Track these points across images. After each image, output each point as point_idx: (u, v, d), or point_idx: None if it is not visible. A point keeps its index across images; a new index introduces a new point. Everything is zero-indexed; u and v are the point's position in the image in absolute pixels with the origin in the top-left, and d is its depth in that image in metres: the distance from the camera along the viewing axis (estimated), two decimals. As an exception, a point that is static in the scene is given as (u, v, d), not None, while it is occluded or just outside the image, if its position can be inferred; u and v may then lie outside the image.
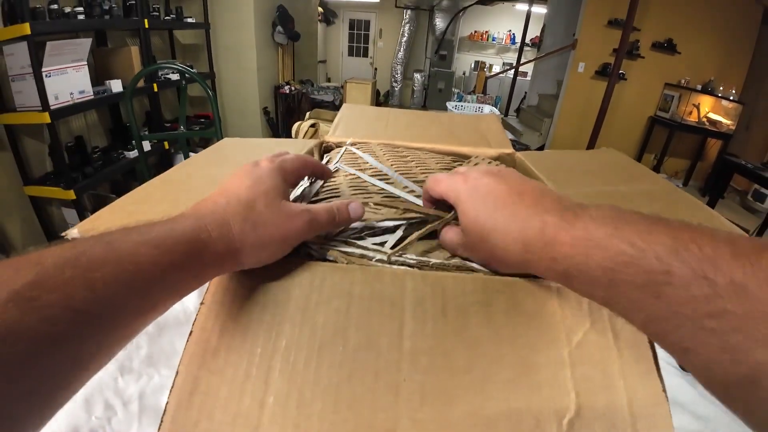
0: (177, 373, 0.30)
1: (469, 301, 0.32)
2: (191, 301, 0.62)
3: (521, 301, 0.32)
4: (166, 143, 3.24)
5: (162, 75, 3.29)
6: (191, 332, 0.32)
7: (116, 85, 2.82)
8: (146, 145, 2.97)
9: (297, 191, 0.48)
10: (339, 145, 0.70)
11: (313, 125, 1.29)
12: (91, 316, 0.22)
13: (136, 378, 0.58)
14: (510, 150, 0.70)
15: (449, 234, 0.37)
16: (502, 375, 0.29)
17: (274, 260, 0.33)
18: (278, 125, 4.70)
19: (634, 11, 3.37)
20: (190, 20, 3.65)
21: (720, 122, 4.44)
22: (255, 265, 0.33)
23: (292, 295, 0.32)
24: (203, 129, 3.48)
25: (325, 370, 0.28)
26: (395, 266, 0.35)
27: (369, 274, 0.33)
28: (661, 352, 0.29)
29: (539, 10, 6.41)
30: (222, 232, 0.29)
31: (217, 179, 0.55)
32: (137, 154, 2.63)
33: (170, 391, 0.29)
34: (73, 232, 0.41)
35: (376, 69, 5.68)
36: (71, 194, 2.40)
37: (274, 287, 0.32)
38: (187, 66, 2.97)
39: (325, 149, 0.72)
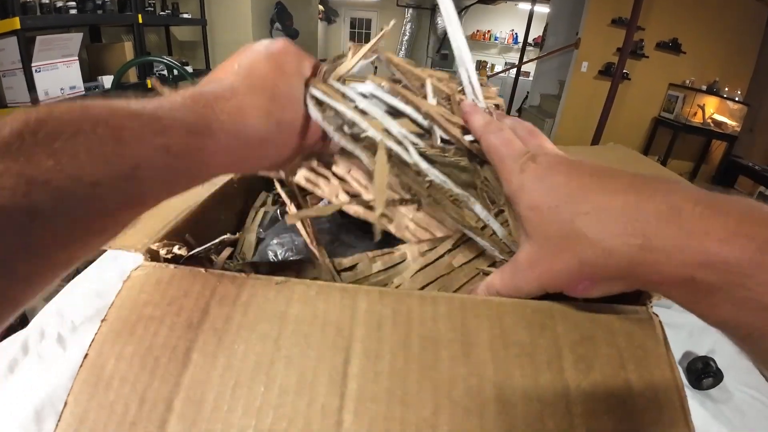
0: (65, 404, 0.23)
1: (441, 328, 0.24)
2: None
3: (509, 328, 0.25)
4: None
5: (157, 71, 3.23)
6: (86, 355, 0.25)
7: (109, 81, 2.77)
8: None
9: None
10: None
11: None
12: (57, 191, 0.15)
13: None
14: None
15: (492, 278, 0.28)
16: (480, 430, 0.21)
17: (268, 167, 0.27)
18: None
19: (639, 10, 3.29)
20: (186, 16, 3.58)
21: (725, 123, 4.36)
22: (253, 170, 0.27)
23: (209, 314, 0.25)
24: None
25: (237, 419, 0.21)
26: (347, 282, 0.28)
27: (312, 290, 0.26)
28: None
29: (542, 9, 6.33)
30: (234, 120, 0.23)
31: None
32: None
33: (56, 424, 0.23)
34: None
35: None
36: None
37: (188, 303, 0.25)
38: (183, 63, 2.90)
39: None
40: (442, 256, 0.34)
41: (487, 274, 0.31)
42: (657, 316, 0.30)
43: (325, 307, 0.25)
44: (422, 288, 0.33)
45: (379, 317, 0.25)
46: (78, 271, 0.71)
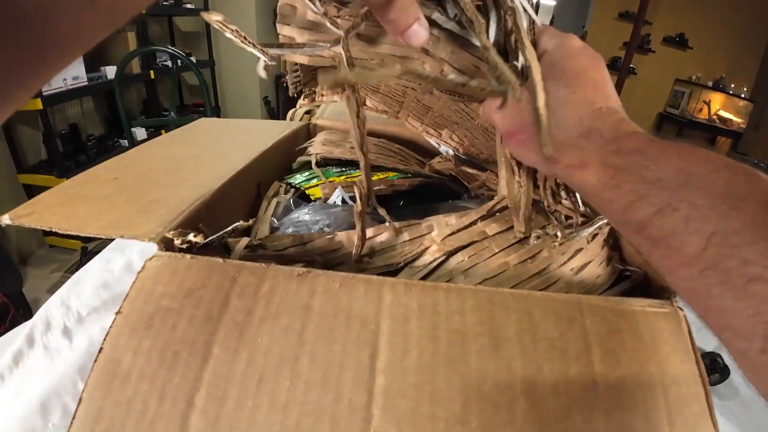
0: (80, 400, 0.22)
1: (469, 321, 0.24)
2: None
3: (538, 322, 0.24)
4: (163, 131, 3.16)
5: (160, 62, 3.20)
6: (101, 349, 0.24)
7: (112, 72, 2.74)
8: (142, 134, 2.90)
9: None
10: (326, 128, 0.62)
11: (308, 111, 1.21)
12: None
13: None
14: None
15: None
16: (511, 427, 0.21)
17: None
18: (279, 115, 4.61)
19: (646, 4, 3.26)
20: (189, 6, 3.55)
21: (730, 120, 4.33)
22: None
23: (229, 306, 0.24)
24: (202, 116, 3.40)
25: (262, 415, 0.20)
26: (371, 273, 0.27)
27: (335, 282, 0.25)
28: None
29: (548, 1, 6.28)
30: None
31: (179, 162, 0.47)
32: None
33: (71, 422, 0.22)
34: (4, 219, 0.35)
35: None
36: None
37: (206, 295, 0.24)
38: (186, 53, 2.88)
39: (313, 132, 0.65)
40: (474, 222, 0.34)
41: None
42: (682, 310, 0.29)
43: (349, 299, 0.24)
44: (453, 252, 0.32)
45: (405, 310, 0.24)
46: (83, 263, 0.71)
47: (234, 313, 0.23)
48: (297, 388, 0.21)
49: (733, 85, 4.38)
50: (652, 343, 0.26)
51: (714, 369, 0.67)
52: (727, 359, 0.67)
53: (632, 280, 0.34)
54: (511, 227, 0.33)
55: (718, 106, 4.44)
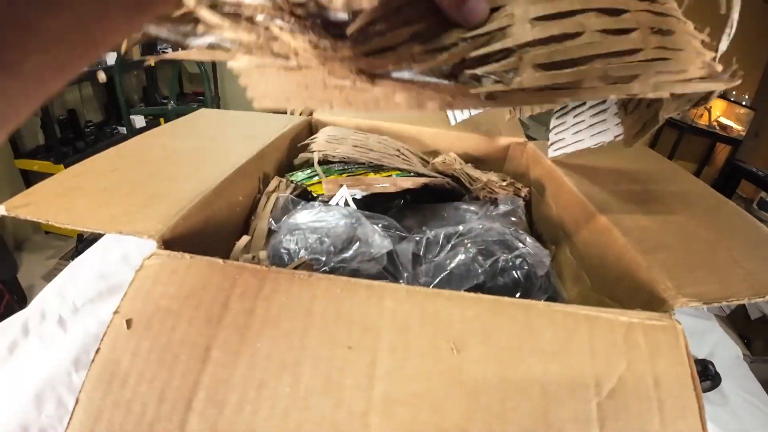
0: (77, 401, 0.22)
1: (470, 329, 0.23)
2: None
3: (539, 332, 0.24)
4: (162, 120, 3.14)
5: (160, 49, 3.17)
6: (98, 349, 0.24)
7: (112, 58, 2.72)
8: (141, 121, 2.88)
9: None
10: (328, 124, 0.61)
11: (307, 105, 1.20)
12: None
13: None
14: (522, 139, 0.62)
15: None
16: (510, 437, 0.21)
17: None
18: (278, 107, 4.58)
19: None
20: (191, -7, 3.52)
21: (731, 127, 4.33)
22: None
23: (230, 308, 0.24)
24: (201, 106, 3.38)
25: (261, 421, 0.20)
26: (364, 277, 0.27)
27: (336, 287, 0.25)
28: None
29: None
30: None
31: (179, 154, 0.46)
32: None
33: (68, 423, 0.22)
34: (0, 210, 0.34)
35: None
36: (61, 169, 2.31)
37: (207, 297, 0.24)
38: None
39: (314, 127, 0.64)
40: None
41: None
42: (680, 324, 0.29)
43: (350, 304, 0.24)
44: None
45: (406, 317, 0.24)
46: (79, 252, 0.70)
47: (234, 316, 0.23)
48: (297, 394, 0.21)
49: (734, 92, 4.39)
50: (650, 357, 0.26)
51: (705, 376, 0.68)
52: (719, 367, 0.67)
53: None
54: None
55: (719, 113, 4.45)
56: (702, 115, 4.38)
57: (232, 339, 0.22)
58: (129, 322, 0.24)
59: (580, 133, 0.48)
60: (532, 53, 0.19)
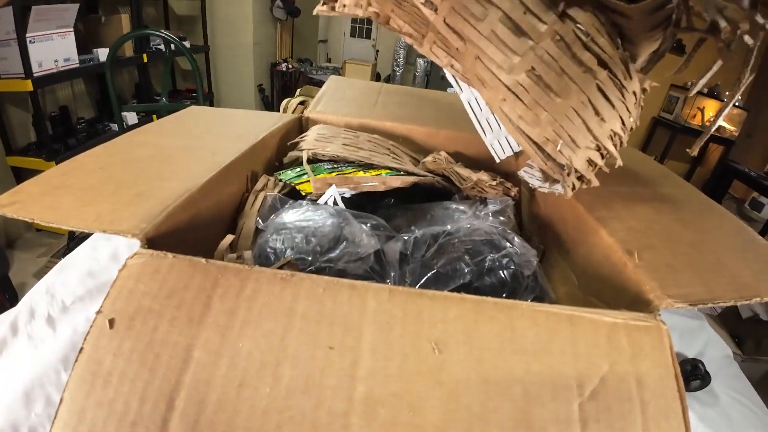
0: (61, 400, 0.22)
1: (452, 330, 0.23)
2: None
3: (521, 332, 0.24)
4: (154, 117, 3.12)
5: (153, 45, 3.15)
6: (81, 349, 0.23)
7: (104, 54, 2.69)
8: (133, 118, 2.86)
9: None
10: (318, 122, 0.61)
11: (302, 102, 1.20)
12: None
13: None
14: (513, 139, 0.62)
15: None
16: (491, 437, 0.21)
17: None
18: (273, 103, 4.57)
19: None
20: (185, -11, 3.49)
21: (723, 128, 4.36)
22: None
23: (211, 308, 0.23)
24: (194, 103, 3.36)
25: (242, 421, 0.20)
26: (351, 277, 0.27)
27: (319, 287, 0.25)
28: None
29: None
30: None
31: (167, 152, 0.46)
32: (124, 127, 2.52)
33: (52, 422, 0.22)
34: None
35: (377, 51, 5.55)
36: (53, 166, 2.30)
37: (188, 296, 0.24)
38: (180, 38, 2.84)
39: (305, 125, 0.64)
40: None
41: None
42: (665, 324, 0.29)
43: (332, 305, 0.24)
44: None
45: (388, 318, 0.24)
46: (71, 248, 0.70)
47: (216, 316, 0.23)
48: (278, 394, 0.21)
49: (727, 93, 4.41)
50: (633, 357, 0.26)
51: (695, 375, 0.68)
52: (709, 366, 0.68)
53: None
54: None
55: (712, 113, 4.48)
56: (695, 115, 4.40)
57: (213, 339, 0.22)
58: (111, 322, 0.24)
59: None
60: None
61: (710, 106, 4.37)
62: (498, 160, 0.54)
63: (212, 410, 0.21)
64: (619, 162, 0.38)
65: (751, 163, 3.92)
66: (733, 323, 1.64)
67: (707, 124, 4.38)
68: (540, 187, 0.46)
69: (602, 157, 0.37)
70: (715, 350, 0.76)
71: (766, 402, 0.68)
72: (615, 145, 0.37)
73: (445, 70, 0.42)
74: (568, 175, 0.36)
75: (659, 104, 4.53)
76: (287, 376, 0.21)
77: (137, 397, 0.21)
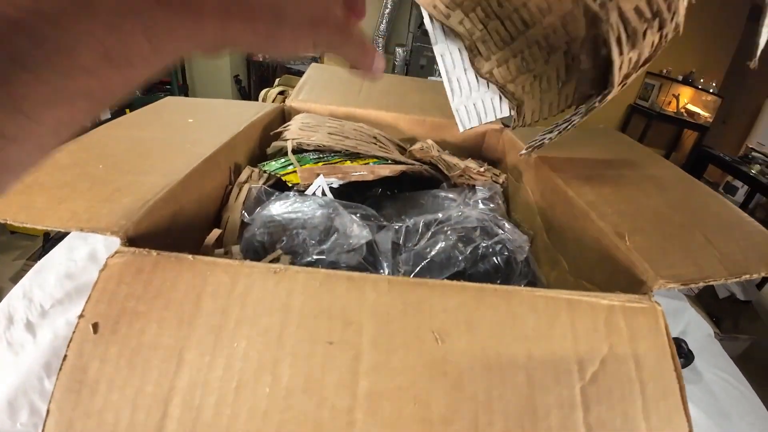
0: (48, 412, 0.21)
1: (453, 320, 0.23)
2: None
3: (521, 319, 0.24)
4: (127, 110, 3.02)
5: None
6: (65, 356, 0.22)
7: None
8: (105, 112, 2.77)
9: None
10: (302, 111, 0.60)
11: (281, 92, 1.17)
12: None
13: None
14: (498, 126, 0.62)
15: None
16: (498, 426, 0.20)
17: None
18: (251, 95, 4.48)
19: None
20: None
21: (698, 114, 4.47)
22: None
23: (203, 308, 0.22)
24: (168, 96, 3.27)
25: (241, 424, 0.19)
26: (343, 269, 0.26)
27: (315, 280, 0.24)
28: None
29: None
30: None
31: (144, 145, 0.44)
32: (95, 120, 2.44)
33: None
34: None
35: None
36: (18, 162, 2.21)
37: (176, 296, 0.23)
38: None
39: (287, 114, 0.62)
40: None
41: None
42: (659, 305, 0.30)
43: (330, 298, 0.23)
44: None
45: (388, 309, 0.23)
46: (46, 249, 0.67)
47: (207, 316, 0.22)
48: (277, 394, 0.20)
49: (702, 80, 4.52)
50: (631, 339, 0.26)
51: (679, 354, 0.70)
52: (692, 345, 0.70)
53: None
54: None
55: (687, 100, 4.58)
56: (670, 102, 4.50)
57: (206, 340, 0.21)
58: (95, 326, 0.23)
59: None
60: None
61: (685, 93, 4.47)
62: (461, 130, 0.51)
63: (209, 415, 0.20)
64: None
65: (726, 148, 4.03)
66: (710, 303, 1.69)
67: (682, 110, 4.49)
68: (527, 147, 0.46)
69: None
70: (697, 329, 0.78)
71: (748, 378, 0.70)
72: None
73: (425, 16, 0.42)
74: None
75: (635, 91, 4.61)
76: (286, 374, 0.20)
77: (128, 405, 0.20)
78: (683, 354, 0.70)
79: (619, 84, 0.36)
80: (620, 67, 0.34)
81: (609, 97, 0.38)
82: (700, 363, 0.70)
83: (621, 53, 0.33)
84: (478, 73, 0.45)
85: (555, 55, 0.41)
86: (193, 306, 0.22)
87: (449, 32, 0.45)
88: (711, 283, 0.32)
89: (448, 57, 0.46)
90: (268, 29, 0.17)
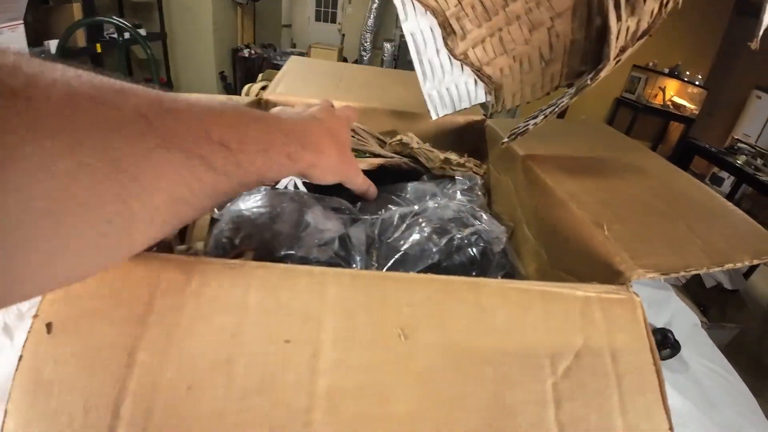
0: (6, 412, 0.20)
1: (419, 314, 0.22)
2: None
3: (491, 311, 0.23)
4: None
5: (107, 34, 3.00)
6: (21, 357, 0.21)
7: (53, 46, 2.55)
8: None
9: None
10: (279, 104, 0.58)
11: (264, 87, 1.15)
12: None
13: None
14: (480, 117, 0.61)
15: None
16: (465, 425, 0.19)
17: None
18: (237, 91, 4.43)
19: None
20: (138, -26, 3.32)
21: (684, 106, 4.51)
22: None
23: (155, 306, 0.21)
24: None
25: (195, 425, 0.18)
26: (314, 264, 0.25)
27: (273, 276, 0.23)
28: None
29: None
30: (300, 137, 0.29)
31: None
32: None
33: None
34: None
35: (344, 35, 5.44)
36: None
37: (128, 293, 0.22)
38: (136, 25, 2.71)
39: (264, 108, 0.61)
40: None
41: None
42: (638, 296, 0.29)
43: (289, 294, 0.22)
44: None
45: (351, 304, 0.22)
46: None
47: (160, 314, 0.21)
48: (232, 395, 0.19)
49: (688, 73, 4.56)
50: (607, 332, 0.25)
51: (665, 344, 0.70)
52: (678, 335, 0.70)
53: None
54: None
55: (673, 93, 4.62)
56: (657, 95, 4.53)
57: (159, 339, 0.20)
58: (49, 326, 0.22)
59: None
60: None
61: (671, 86, 4.50)
62: (434, 117, 0.48)
63: (160, 417, 0.19)
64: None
65: (712, 139, 4.08)
66: (697, 292, 1.71)
67: (668, 103, 4.52)
68: (509, 135, 0.45)
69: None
70: (683, 319, 0.78)
71: (735, 367, 0.70)
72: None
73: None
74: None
75: (622, 84, 4.64)
76: (241, 374, 0.19)
77: (80, 407, 0.19)
78: (670, 344, 0.70)
79: (615, 58, 0.34)
80: (617, 36, 0.32)
81: (603, 74, 0.36)
82: (687, 353, 0.70)
83: (619, 19, 0.32)
84: (451, 54, 0.42)
85: (537, 31, 0.39)
86: (146, 304, 0.21)
87: (420, 7, 0.41)
88: (693, 272, 0.31)
89: (419, 36, 0.43)
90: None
